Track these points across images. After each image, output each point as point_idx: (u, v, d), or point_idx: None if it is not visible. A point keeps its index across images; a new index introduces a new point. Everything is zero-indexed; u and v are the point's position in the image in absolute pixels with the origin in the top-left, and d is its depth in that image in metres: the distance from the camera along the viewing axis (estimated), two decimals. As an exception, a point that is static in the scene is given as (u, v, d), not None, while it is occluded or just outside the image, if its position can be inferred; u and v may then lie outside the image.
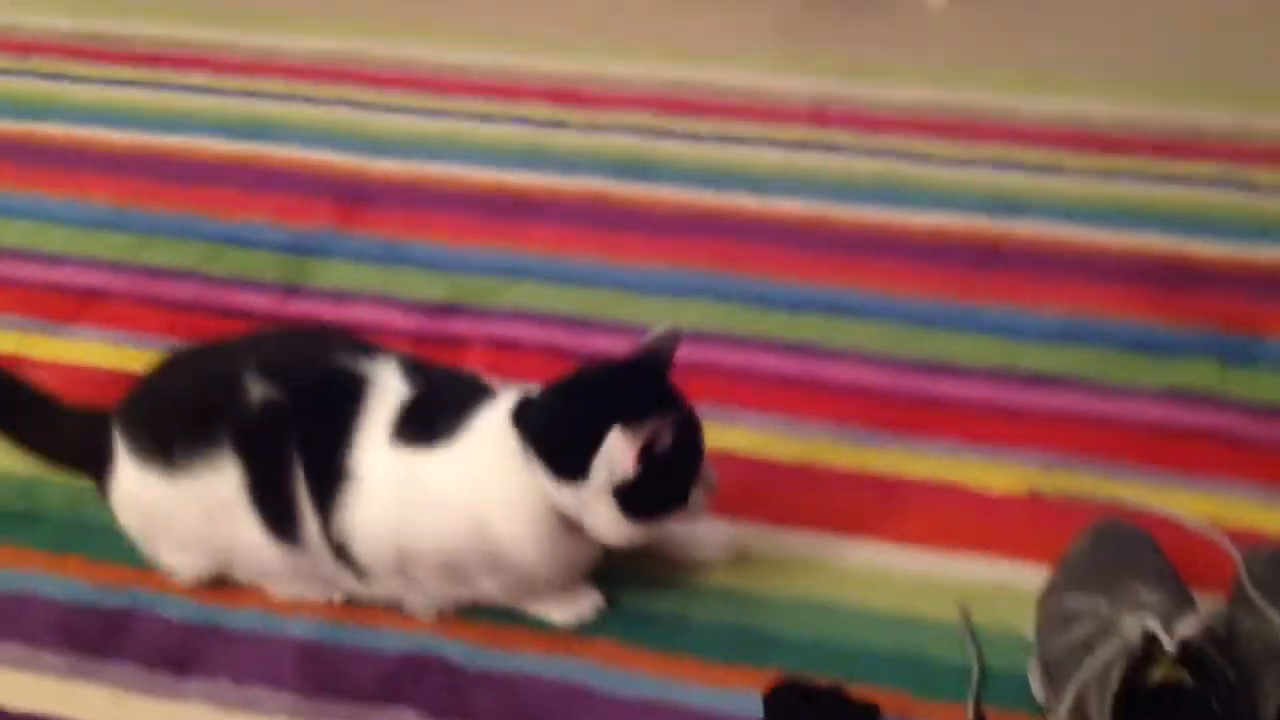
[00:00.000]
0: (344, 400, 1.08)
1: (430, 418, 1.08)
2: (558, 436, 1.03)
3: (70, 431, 1.19)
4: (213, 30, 2.07)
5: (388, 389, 1.09)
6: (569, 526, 1.05)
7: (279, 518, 1.08)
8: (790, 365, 1.40)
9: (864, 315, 1.46)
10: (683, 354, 1.39)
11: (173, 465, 1.09)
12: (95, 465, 1.15)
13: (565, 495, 1.03)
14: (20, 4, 2.16)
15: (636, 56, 1.96)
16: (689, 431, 1.05)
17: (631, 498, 1.02)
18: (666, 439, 1.00)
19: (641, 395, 1.03)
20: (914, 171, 1.68)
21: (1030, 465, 1.26)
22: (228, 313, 1.50)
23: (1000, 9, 2.06)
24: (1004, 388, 1.35)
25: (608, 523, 1.03)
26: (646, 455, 1.00)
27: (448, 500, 1.06)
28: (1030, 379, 1.36)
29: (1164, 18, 2.00)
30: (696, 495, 1.06)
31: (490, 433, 1.06)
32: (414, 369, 1.11)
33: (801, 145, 1.75)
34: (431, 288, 1.53)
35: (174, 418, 1.11)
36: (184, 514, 1.10)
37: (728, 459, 1.28)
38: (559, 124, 1.81)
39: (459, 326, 1.48)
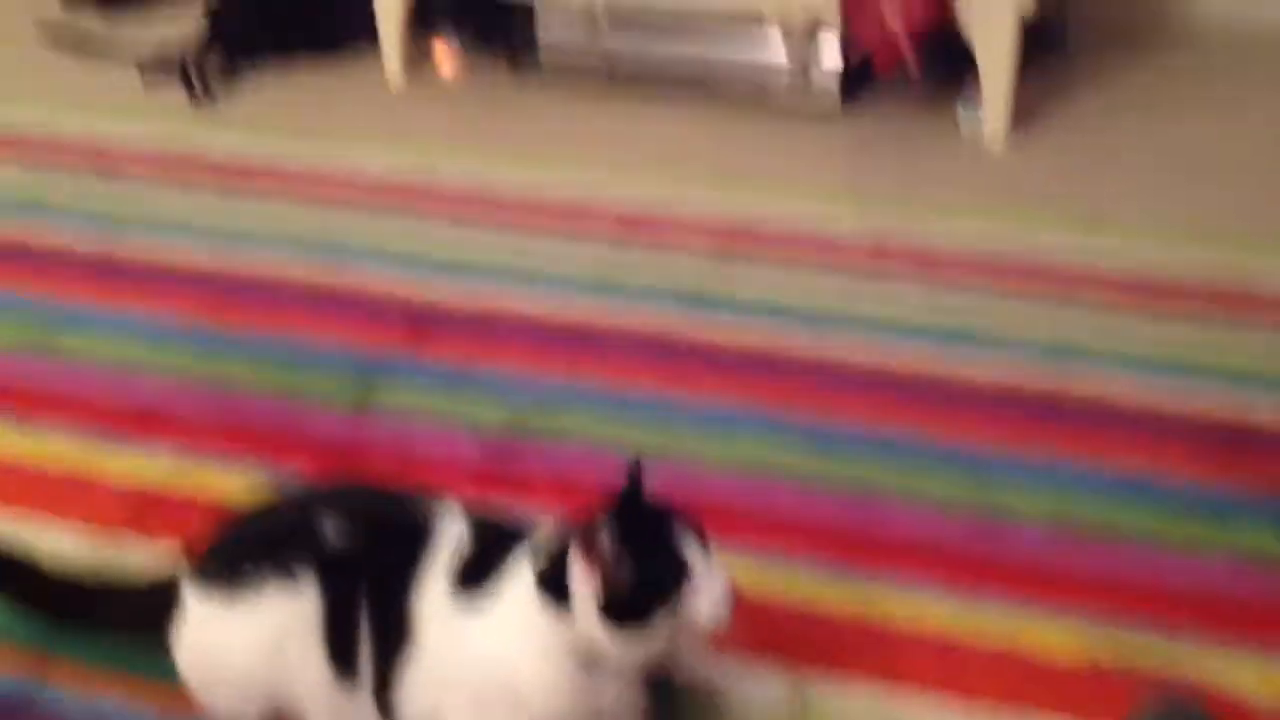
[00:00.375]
0: (411, 550, 1.12)
1: (482, 570, 1.11)
2: (547, 573, 1.08)
3: (136, 603, 1.23)
4: (289, 150, 2.13)
5: (451, 540, 1.13)
6: (592, 666, 1.07)
7: (342, 654, 1.11)
8: (846, 509, 1.41)
9: (921, 460, 1.46)
10: (739, 492, 1.43)
11: (244, 595, 1.12)
12: (162, 621, 1.18)
13: (574, 628, 1.06)
14: (109, 118, 2.24)
15: (700, 188, 2.00)
16: (652, 532, 1.07)
17: (611, 608, 1.04)
18: (604, 540, 1.03)
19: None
20: (972, 313, 1.70)
21: (1088, 626, 1.25)
22: (296, 432, 1.53)
23: (1058, 154, 2.09)
24: (1062, 544, 1.35)
25: (610, 642, 1.06)
26: (600, 563, 1.03)
27: (483, 649, 1.09)
28: (1088, 536, 1.36)
29: (1223, 169, 2.02)
30: (698, 600, 1.06)
31: (521, 581, 1.10)
32: (476, 519, 1.15)
33: (860, 281, 1.77)
34: (495, 413, 1.56)
35: (249, 553, 1.14)
36: (248, 646, 1.12)
37: (780, 602, 1.29)
38: (624, 253, 1.85)
39: (521, 453, 1.50)
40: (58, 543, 1.37)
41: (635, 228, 1.91)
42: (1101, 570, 1.32)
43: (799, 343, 1.66)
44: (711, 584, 1.06)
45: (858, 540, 1.37)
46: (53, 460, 1.50)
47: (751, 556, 1.34)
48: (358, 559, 1.12)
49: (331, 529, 1.12)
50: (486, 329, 1.71)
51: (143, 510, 1.42)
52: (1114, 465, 1.45)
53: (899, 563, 1.33)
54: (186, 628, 1.16)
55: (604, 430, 1.53)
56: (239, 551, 1.16)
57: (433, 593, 1.11)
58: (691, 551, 1.07)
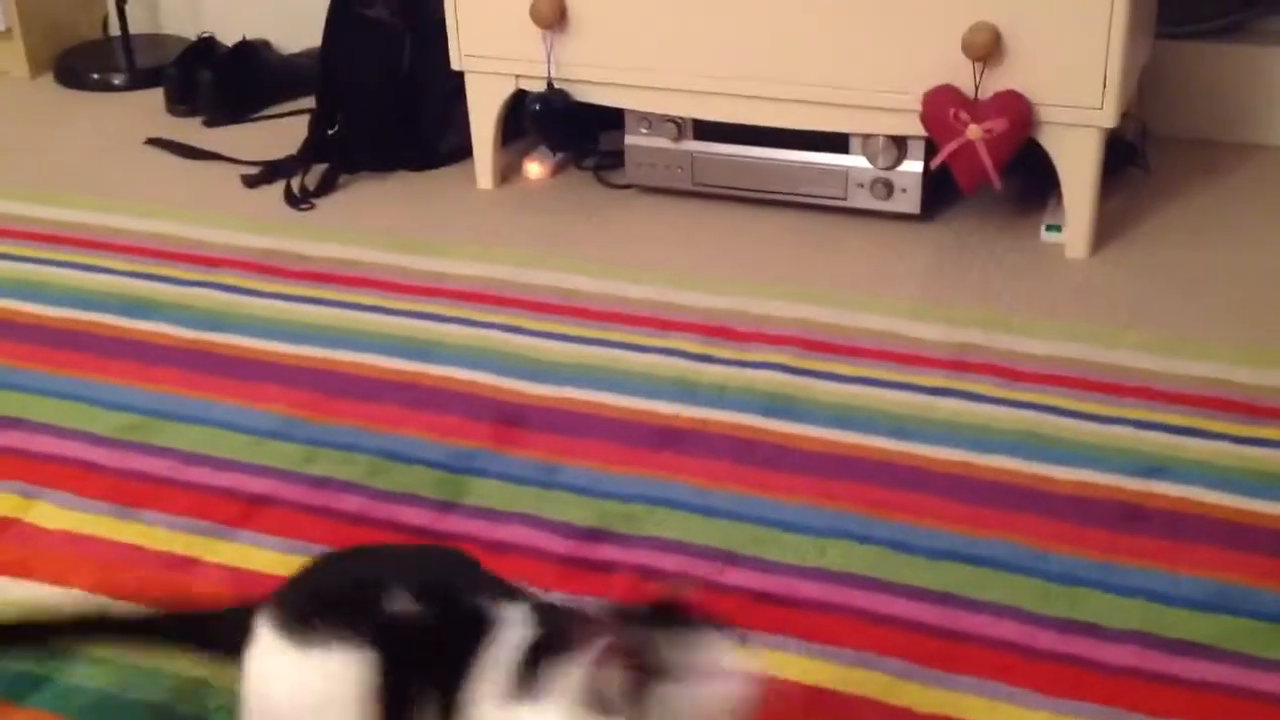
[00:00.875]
0: (476, 634, 1.11)
1: (538, 662, 1.10)
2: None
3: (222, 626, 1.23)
4: (383, 254, 2.20)
5: (515, 634, 1.12)
6: None
7: None
8: (930, 614, 1.42)
9: (1004, 567, 1.47)
10: (822, 593, 1.44)
11: (307, 647, 1.12)
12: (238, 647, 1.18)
13: None
14: (213, 222, 2.33)
15: (782, 296, 2.04)
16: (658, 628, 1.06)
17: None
18: (612, 641, 1.03)
19: None
20: (1054, 425, 1.71)
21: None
22: (388, 526, 1.57)
23: (1139, 269, 2.11)
24: (1151, 654, 1.35)
25: None
26: (612, 660, 1.03)
27: None
28: (1175, 646, 1.36)
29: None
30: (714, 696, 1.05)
31: (569, 677, 1.08)
32: (545, 613, 1.15)
33: (942, 392, 1.79)
34: (581, 512, 1.59)
35: (322, 605, 1.14)
36: (299, 699, 1.12)
37: (866, 703, 1.30)
38: (707, 358, 1.88)
39: (606, 552, 1.53)
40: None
41: (717, 333, 1.95)
42: (1189, 680, 1.32)
43: (881, 447, 1.68)
44: (726, 680, 1.05)
45: (944, 645, 1.37)
46: (157, 549, 1.55)
47: (835, 657, 1.35)
48: (422, 636, 1.12)
49: (402, 600, 1.13)
50: (572, 428, 1.75)
51: (244, 599, 1.46)
52: (1202, 576, 1.45)
53: (986, 668, 1.34)
54: (254, 656, 1.16)
55: (688, 530, 1.55)
56: (313, 602, 1.16)
57: (487, 681, 1.11)
58: (702, 649, 1.05)
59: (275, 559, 1.52)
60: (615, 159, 2.45)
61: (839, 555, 1.50)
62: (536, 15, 2.25)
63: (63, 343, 1.98)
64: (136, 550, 1.55)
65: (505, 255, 2.19)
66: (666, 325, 1.97)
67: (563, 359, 1.90)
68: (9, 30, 3.08)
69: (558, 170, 2.52)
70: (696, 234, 2.27)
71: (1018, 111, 2.04)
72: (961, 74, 2.06)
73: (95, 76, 3.05)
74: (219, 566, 1.51)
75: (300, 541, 1.54)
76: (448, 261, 2.17)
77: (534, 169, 2.50)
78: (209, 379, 1.87)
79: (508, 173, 2.49)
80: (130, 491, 1.65)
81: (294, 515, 1.59)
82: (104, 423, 1.78)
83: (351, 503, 1.62)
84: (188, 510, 1.61)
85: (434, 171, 2.53)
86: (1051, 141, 2.08)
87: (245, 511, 1.60)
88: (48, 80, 3.10)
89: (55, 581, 1.49)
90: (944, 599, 1.43)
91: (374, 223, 2.33)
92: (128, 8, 3.05)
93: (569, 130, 2.39)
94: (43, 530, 1.58)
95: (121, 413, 1.80)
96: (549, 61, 2.28)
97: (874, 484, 1.62)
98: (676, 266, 2.15)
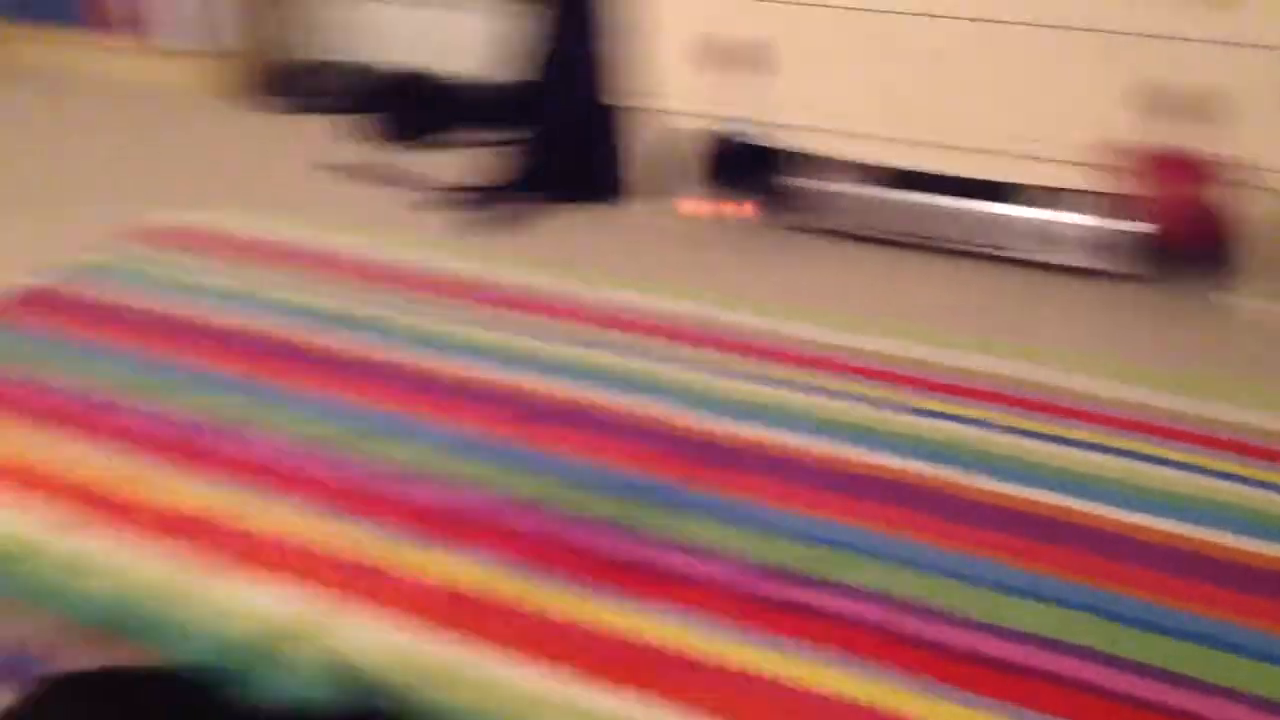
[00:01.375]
0: None
1: None
2: None
3: None
4: (565, 282, 2.28)
5: None
6: None
7: None
8: (1083, 665, 1.42)
9: (1151, 624, 1.48)
10: (980, 642, 1.44)
11: None
12: None
13: None
14: (413, 247, 2.43)
15: (997, 354, 2.04)
16: None
17: None
18: None
19: None
20: (1235, 493, 1.70)
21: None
22: (569, 549, 1.62)
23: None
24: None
25: None
26: None
27: None
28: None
29: None
30: None
31: None
32: None
33: (1133, 453, 1.78)
34: (763, 550, 1.61)
35: None
36: None
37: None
38: (877, 402, 1.90)
39: (790, 593, 1.55)
40: (374, 632, 1.49)
41: (906, 381, 1.97)
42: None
43: (1050, 504, 1.69)
44: None
45: (1088, 698, 1.38)
46: (356, 551, 1.62)
47: (993, 709, 1.37)
48: None
49: None
50: (758, 466, 1.77)
51: (438, 611, 1.52)
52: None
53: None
54: None
55: (874, 578, 1.57)
56: None
57: None
58: None
59: (470, 568, 1.58)
60: (799, 201, 2.48)
61: (986, 601, 1.50)
62: (726, 58, 2.29)
63: (278, 354, 2.08)
64: (336, 549, 1.62)
65: (684, 291, 2.23)
66: (837, 369, 2.00)
67: (750, 398, 1.93)
68: (209, 51, 3.22)
69: (738, 210, 2.56)
70: (885, 281, 2.28)
71: (1228, 174, 2.01)
72: (1174, 134, 2.04)
73: (295, 100, 3.17)
74: (417, 576, 1.58)
75: (495, 553, 1.60)
76: (632, 295, 2.22)
77: (715, 208, 2.54)
78: (420, 397, 1.95)
79: (687, 210, 2.54)
80: (331, 492, 1.72)
81: (487, 530, 1.65)
82: (320, 431, 1.86)
83: (537, 522, 1.66)
84: (391, 516, 1.68)
85: (619, 205, 2.59)
86: (1261, 205, 2.05)
87: (448, 523, 1.66)
88: (243, 102, 3.23)
89: (267, 581, 1.57)
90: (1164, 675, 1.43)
91: (557, 253, 2.39)
92: (327, 35, 3.17)
93: (750, 171, 2.43)
94: (259, 532, 1.66)
95: (321, 421, 1.88)
96: (736, 103, 2.32)
97: (1045, 539, 1.62)
98: (856, 311, 2.17)
